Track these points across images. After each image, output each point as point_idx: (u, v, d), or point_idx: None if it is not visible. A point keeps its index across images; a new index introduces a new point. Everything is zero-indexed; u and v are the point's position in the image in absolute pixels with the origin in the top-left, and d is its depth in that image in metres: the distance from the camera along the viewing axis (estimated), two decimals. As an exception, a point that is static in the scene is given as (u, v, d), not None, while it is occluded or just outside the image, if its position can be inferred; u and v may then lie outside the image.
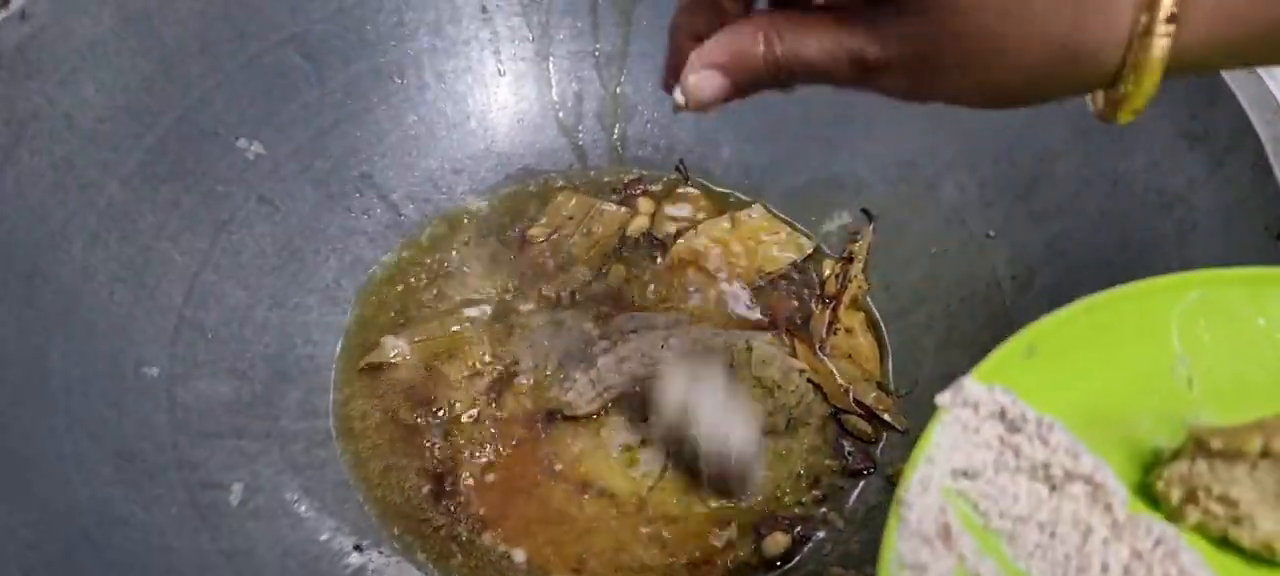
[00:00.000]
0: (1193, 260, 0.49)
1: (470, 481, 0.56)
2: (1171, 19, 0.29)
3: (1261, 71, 0.49)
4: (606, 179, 0.71)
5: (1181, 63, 0.30)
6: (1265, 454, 0.30)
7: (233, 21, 0.60)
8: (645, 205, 0.69)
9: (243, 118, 0.62)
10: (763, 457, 0.56)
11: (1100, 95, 0.33)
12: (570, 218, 0.68)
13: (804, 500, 0.56)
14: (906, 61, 0.32)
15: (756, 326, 0.63)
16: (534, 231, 0.68)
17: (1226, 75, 0.49)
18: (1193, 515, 0.31)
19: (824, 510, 0.56)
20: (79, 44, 0.54)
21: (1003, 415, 0.33)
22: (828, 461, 0.58)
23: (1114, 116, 0.33)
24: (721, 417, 0.54)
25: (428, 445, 0.58)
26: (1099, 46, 0.31)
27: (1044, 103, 0.33)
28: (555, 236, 0.67)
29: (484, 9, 0.69)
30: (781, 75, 0.34)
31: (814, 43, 0.33)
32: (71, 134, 0.54)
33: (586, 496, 0.56)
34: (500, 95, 0.70)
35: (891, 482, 0.56)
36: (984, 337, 0.58)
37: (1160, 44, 0.30)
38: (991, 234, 0.60)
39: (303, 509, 0.54)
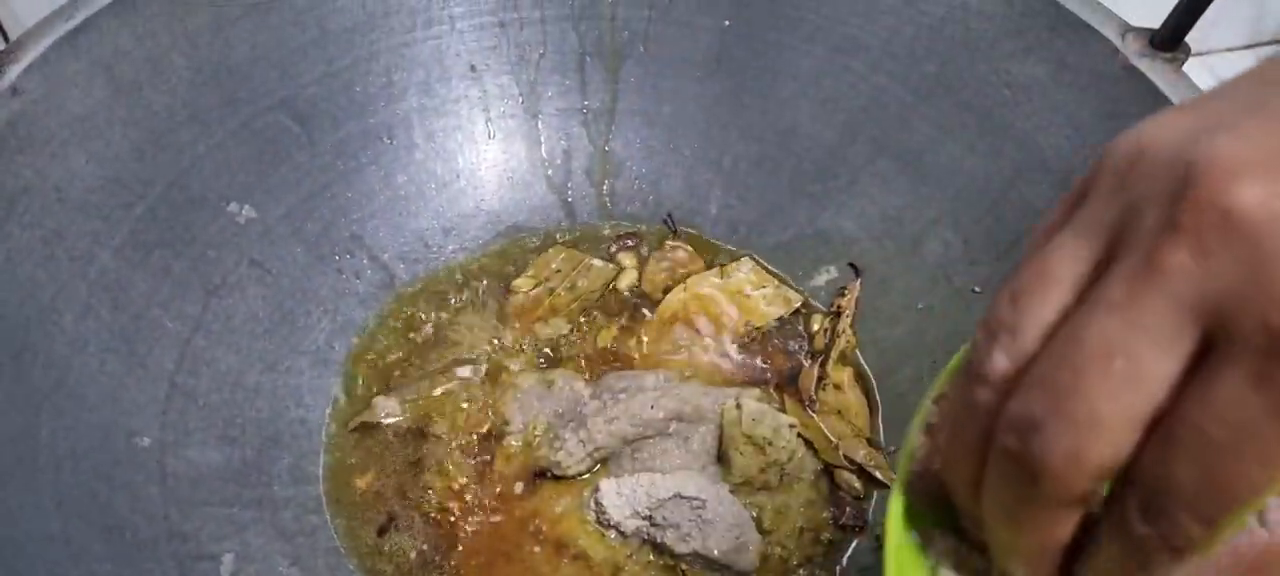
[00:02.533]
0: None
1: (459, 546, 0.57)
2: None
3: None
4: (604, 232, 0.72)
5: None
6: None
7: (222, 88, 0.61)
8: (628, 260, 0.69)
9: (233, 182, 0.62)
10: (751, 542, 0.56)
11: None
12: (557, 271, 0.69)
13: (810, 555, 0.56)
14: None
15: (745, 383, 0.63)
16: (519, 281, 0.68)
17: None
18: None
19: (812, 570, 0.56)
20: (69, 117, 0.54)
21: None
22: (825, 514, 0.58)
23: None
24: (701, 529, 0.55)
25: (417, 506, 0.58)
26: None
27: None
28: (537, 290, 0.68)
29: (473, 67, 0.69)
30: None
31: None
32: (62, 206, 0.54)
33: (564, 559, 0.56)
34: (489, 153, 0.71)
35: (880, 543, 0.56)
36: (971, 396, 0.58)
37: None
38: (977, 290, 0.61)
39: (294, 577, 0.55)
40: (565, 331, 0.65)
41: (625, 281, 0.68)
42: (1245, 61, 0.95)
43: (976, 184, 0.61)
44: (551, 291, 0.67)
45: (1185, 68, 0.54)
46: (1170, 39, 0.53)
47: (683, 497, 0.56)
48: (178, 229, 0.59)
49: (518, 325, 0.66)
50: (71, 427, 0.51)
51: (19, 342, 0.50)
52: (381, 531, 0.57)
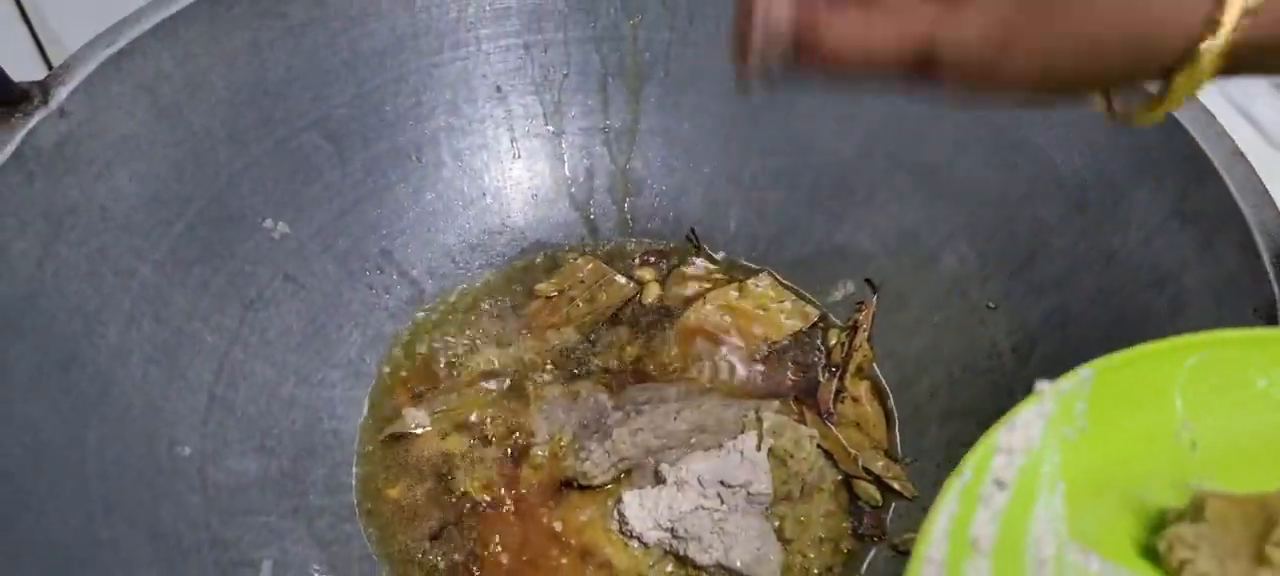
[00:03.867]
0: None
1: (485, 552, 0.58)
2: (1249, 11, 0.28)
3: (1249, 156, 0.51)
4: (629, 248, 0.74)
5: (1239, 60, 0.29)
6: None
7: (259, 108, 0.63)
8: (648, 275, 0.71)
9: (268, 199, 0.64)
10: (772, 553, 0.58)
11: (1121, 99, 0.33)
12: (582, 281, 0.71)
13: (830, 564, 0.58)
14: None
15: (765, 395, 0.65)
16: (542, 286, 0.70)
17: (1214, 158, 0.51)
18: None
19: (834, 580, 0.57)
20: (113, 138, 0.56)
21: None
22: (845, 524, 0.60)
23: (1138, 117, 0.33)
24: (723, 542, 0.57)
25: (446, 515, 0.60)
26: (1167, 26, 0.29)
27: (1082, 94, 0.33)
28: (556, 297, 0.69)
29: (499, 88, 0.71)
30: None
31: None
32: (106, 224, 0.56)
33: (589, 567, 0.58)
34: (515, 172, 0.73)
35: (897, 552, 0.57)
36: (986, 407, 0.60)
37: (1229, 35, 0.28)
38: (991, 305, 0.62)
39: (329, 583, 0.57)
40: (575, 341, 0.67)
41: (649, 296, 0.70)
42: (1257, 84, 0.96)
43: (991, 199, 0.63)
44: (571, 300, 0.69)
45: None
46: (1180, 61, 0.55)
47: (704, 509, 0.57)
48: (215, 244, 0.61)
49: (529, 332, 0.68)
50: (117, 436, 0.53)
51: (67, 354, 0.52)
52: (434, 537, 0.59)
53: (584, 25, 0.71)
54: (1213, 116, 0.53)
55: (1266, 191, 0.50)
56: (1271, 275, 0.47)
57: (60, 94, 0.54)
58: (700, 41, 0.70)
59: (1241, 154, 0.51)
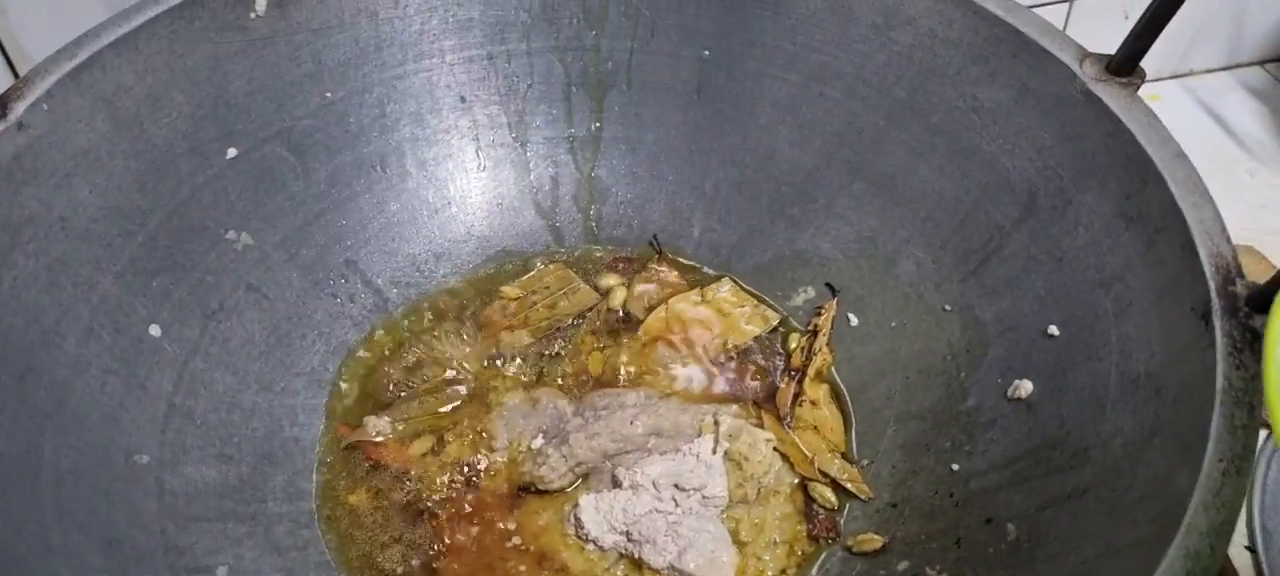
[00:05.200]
0: (1130, 336, 0.51)
1: (443, 558, 0.59)
2: None
3: (1219, 157, 0.51)
4: (597, 254, 0.74)
5: None
6: None
7: (220, 120, 0.64)
8: (613, 281, 0.72)
9: (231, 211, 0.65)
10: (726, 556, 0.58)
11: None
12: (546, 287, 0.71)
13: (784, 567, 0.58)
14: None
15: (724, 399, 0.65)
16: (507, 288, 0.71)
17: (1157, 160, 0.52)
18: None
19: (787, 581, 0.58)
20: (73, 150, 0.57)
21: None
22: (800, 526, 0.60)
23: None
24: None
25: (405, 521, 0.60)
26: None
27: None
28: (519, 300, 0.70)
29: (463, 99, 0.72)
30: None
31: None
32: (66, 235, 0.56)
33: (545, 571, 0.58)
34: (480, 181, 0.73)
35: (851, 553, 0.58)
36: (939, 409, 0.60)
37: None
38: (947, 308, 0.63)
39: (286, 589, 0.57)
40: (527, 343, 0.68)
41: (613, 302, 0.70)
42: (1225, 82, 0.97)
43: (946, 205, 0.63)
44: (531, 305, 0.70)
45: (1171, 85, 0.55)
46: (1125, 64, 0.55)
47: (659, 512, 0.58)
48: (177, 255, 0.62)
49: (482, 332, 0.68)
50: (73, 446, 0.54)
51: (24, 365, 0.53)
52: (392, 543, 0.59)
53: (547, 36, 0.72)
54: (1156, 118, 0.53)
55: (1206, 191, 0.50)
56: (1208, 274, 0.47)
57: (18, 108, 0.55)
58: (662, 51, 0.71)
59: (1184, 155, 0.51)
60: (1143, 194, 0.52)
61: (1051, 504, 0.51)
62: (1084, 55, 0.57)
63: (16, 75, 0.70)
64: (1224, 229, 0.48)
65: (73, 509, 0.51)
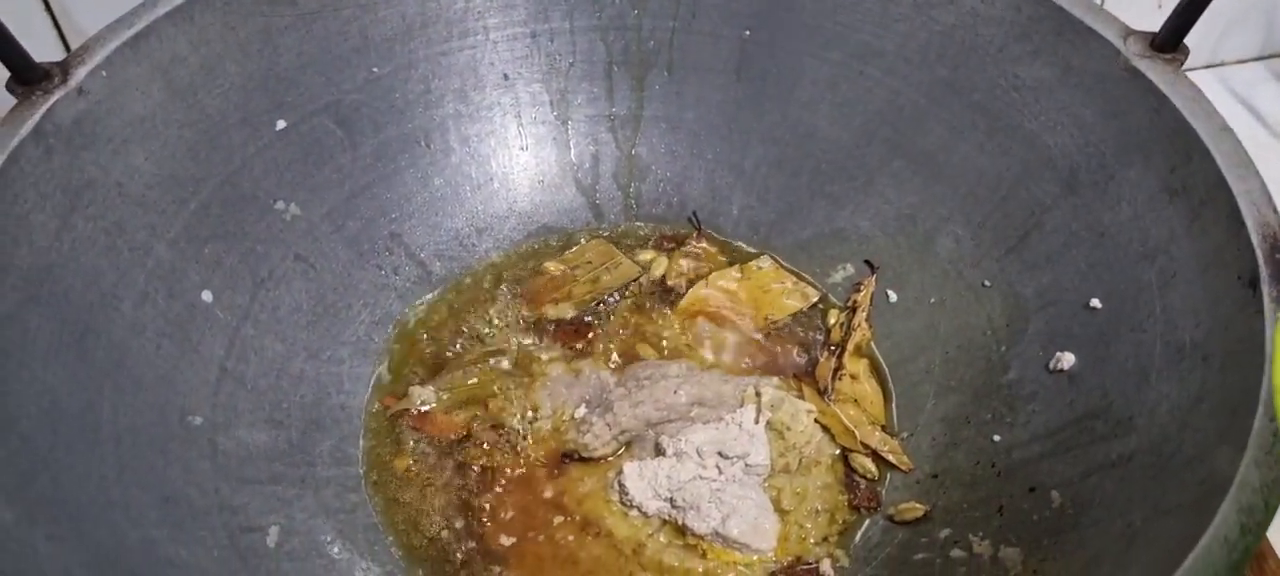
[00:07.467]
0: (1174, 306, 0.52)
1: (489, 522, 0.60)
2: None
3: (1250, 146, 0.52)
4: (641, 231, 0.75)
5: None
6: None
7: (271, 93, 0.65)
8: (652, 256, 0.72)
9: (280, 182, 0.66)
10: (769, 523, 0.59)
11: None
12: (589, 261, 0.72)
13: (826, 534, 0.59)
14: None
15: (764, 372, 0.66)
16: (550, 264, 0.72)
17: (1202, 133, 0.52)
18: None
19: (829, 549, 0.58)
20: (130, 117, 0.58)
21: None
22: (841, 496, 0.61)
23: None
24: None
25: (451, 488, 0.61)
26: None
27: None
28: (563, 275, 0.71)
29: (506, 76, 0.73)
30: None
31: None
32: (122, 200, 0.58)
33: (589, 536, 0.59)
34: (521, 158, 0.74)
35: (893, 522, 0.58)
36: (979, 382, 0.61)
37: None
38: (986, 284, 0.63)
39: (335, 551, 0.58)
40: (570, 316, 0.69)
41: (655, 273, 0.71)
42: (1258, 72, 0.97)
43: (986, 182, 0.64)
44: (575, 278, 0.70)
45: (1204, 74, 0.56)
46: (1169, 41, 0.56)
47: (703, 479, 0.58)
48: (228, 224, 0.63)
49: (527, 305, 0.69)
50: (130, 405, 0.55)
51: (83, 325, 0.54)
52: (437, 507, 0.60)
53: (589, 15, 0.72)
54: (1201, 92, 0.54)
55: (1252, 164, 0.50)
56: (1256, 245, 0.48)
57: (79, 73, 0.56)
58: (704, 30, 0.72)
59: (1229, 128, 0.52)
60: (1187, 167, 0.53)
61: (1096, 471, 0.51)
62: (1128, 32, 0.57)
63: (68, 49, 0.71)
64: (1270, 199, 0.49)
65: (132, 465, 0.52)
